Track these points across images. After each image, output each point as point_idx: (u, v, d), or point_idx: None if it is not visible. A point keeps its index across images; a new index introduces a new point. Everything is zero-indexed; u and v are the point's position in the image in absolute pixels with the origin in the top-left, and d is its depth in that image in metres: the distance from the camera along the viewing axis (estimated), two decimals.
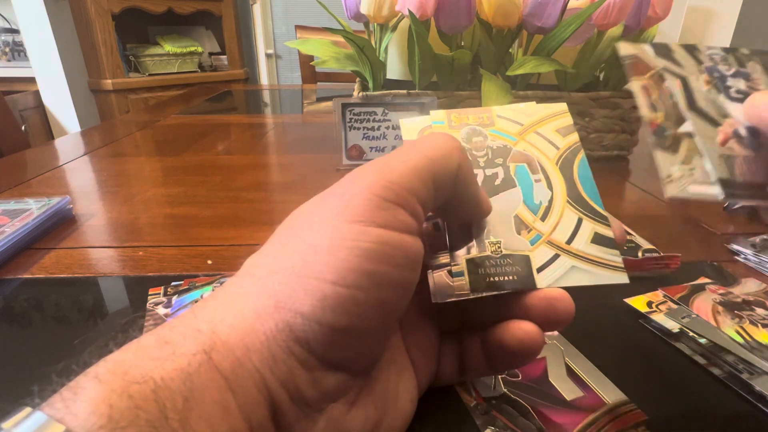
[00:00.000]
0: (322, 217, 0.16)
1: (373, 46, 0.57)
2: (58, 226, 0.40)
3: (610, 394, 0.21)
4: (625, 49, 0.23)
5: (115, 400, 0.12)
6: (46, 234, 0.39)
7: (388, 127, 0.55)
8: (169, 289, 0.30)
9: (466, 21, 0.53)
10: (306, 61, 1.51)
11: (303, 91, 1.32)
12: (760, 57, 0.23)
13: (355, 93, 0.58)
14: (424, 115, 0.23)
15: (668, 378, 0.23)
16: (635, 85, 0.23)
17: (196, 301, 0.28)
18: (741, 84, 0.22)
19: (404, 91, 0.56)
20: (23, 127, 1.65)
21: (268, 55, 2.58)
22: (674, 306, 0.28)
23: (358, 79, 0.62)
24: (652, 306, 0.28)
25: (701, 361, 0.24)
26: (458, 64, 0.55)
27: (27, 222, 0.37)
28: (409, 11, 0.50)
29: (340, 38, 0.56)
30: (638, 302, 0.28)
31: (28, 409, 0.12)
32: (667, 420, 0.20)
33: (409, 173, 0.16)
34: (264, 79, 2.61)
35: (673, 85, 0.22)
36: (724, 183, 0.19)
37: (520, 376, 0.23)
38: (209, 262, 0.35)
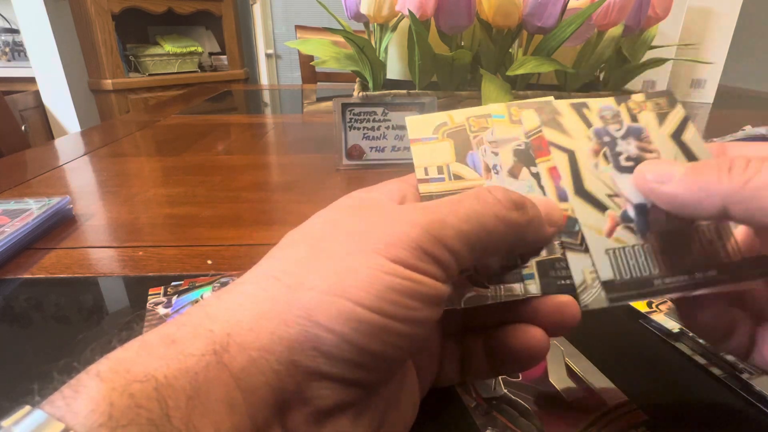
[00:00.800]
0: (362, 245, 0.16)
1: (373, 46, 0.57)
2: (58, 226, 0.40)
3: (610, 394, 0.21)
4: (500, 129, 0.21)
5: (116, 398, 0.12)
6: (46, 234, 0.39)
7: (388, 127, 0.55)
8: (169, 289, 0.30)
9: (466, 21, 0.53)
10: (306, 61, 1.50)
11: (303, 91, 1.32)
12: (653, 101, 0.21)
13: (355, 93, 0.58)
14: (432, 113, 0.22)
15: (668, 378, 0.23)
16: (542, 171, 0.20)
17: (196, 301, 0.28)
18: (632, 147, 0.20)
19: (404, 91, 0.56)
20: (23, 127, 1.65)
21: (268, 55, 2.58)
22: (674, 306, 0.28)
23: (358, 79, 0.62)
24: (652, 306, 0.28)
25: (701, 361, 0.24)
26: (458, 64, 0.55)
27: (27, 222, 0.37)
28: (409, 11, 0.50)
29: (340, 38, 0.56)
30: (638, 302, 0.28)
31: (28, 407, 0.12)
32: (667, 420, 0.20)
33: (459, 236, 0.16)
34: (264, 79, 2.61)
35: (560, 162, 0.20)
36: (608, 287, 0.18)
37: (521, 376, 0.23)
38: (209, 262, 0.34)
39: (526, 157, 0.21)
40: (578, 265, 0.18)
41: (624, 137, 0.20)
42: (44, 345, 0.26)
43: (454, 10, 0.52)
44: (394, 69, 0.62)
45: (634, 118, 0.20)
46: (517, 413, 0.21)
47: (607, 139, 0.20)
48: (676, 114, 0.20)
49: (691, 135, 0.20)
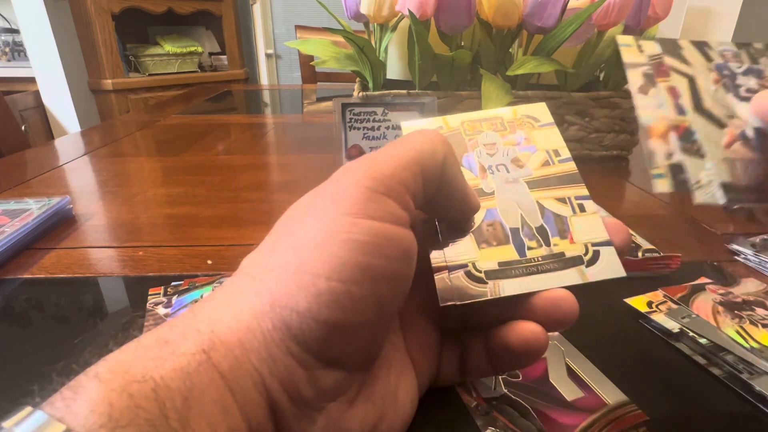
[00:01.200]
0: (314, 213, 0.16)
1: (373, 46, 0.57)
2: (58, 226, 0.40)
3: (610, 394, 0.21)
4: (628, 54, 0.23)
5: (115, 399, 0.12)
6: (46, 234, 0.39)
7: (388, 127, 0.55)
8: (169, 289, 0.30)
9: (466, 21, 0.53)
10: (306, 61, 1.51)
11: (303, 91, 1.32)
12: None
13: (355, 93, 0.58)
14: (426, 118, 0.23)
15: (668, 378, 0.23)
16: (661, 89, 0.22)
17: (196, 301, 0.28)
18: (752, 82, 0.21)
19: (404, 91, 0.56)
20: (23, 127, 1.65)
21: (268, 55, 2.58)
22: (674, 306, 0.28)
23: (358, 79, 0.62)
24: (652, 306, 0.28)
25: (701, 361, 0.24)
26: (458, 64, 0.55)
27: (27, 222, 0.37)
28: (409, 11, 0.50)
29: (340, 38, 0.56)
30: (638, 302, 0.28)
31: (28, 408, 0.12)
32: (668, 420, 0.20)
33: (397, 165, 0.16)
34: (264, 79, 2.61)
35: (679, 84, 0.21)
36: (727, 188, 0.19)
37: (521, 376, 0.23)
38: (209, 262, 0.34)
39: (653, 79, 0.22)
40: (695, 168, 0.20)
41: (745, 74, 0.22)
42: (44, 345, 0.26)
43: (454, 10, 0.52)
44: (394, 69, 0.62)
45: (755, 61, 0.22)
46: (518, 413, 0.21)
47: (727, 72, 0.22)
48: None
49: None
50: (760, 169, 0.20)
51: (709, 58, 0.23)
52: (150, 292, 0.30)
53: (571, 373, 0.23)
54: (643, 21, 0.57)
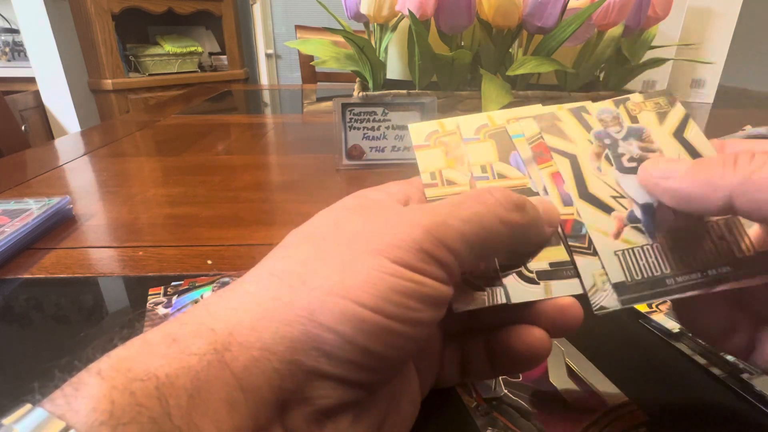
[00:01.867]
0: (364, 246, 0.16)
1: (373, 46, 0.57)
2: (58, 226, 0.40)
3: (610, 394, 0.21)
4: (519, 125, 0.21)
5: (117, 396, 0.12)
6: (46, 234, 0.39)
7: (388, 127, 0.55)
8: (169, 289, 0.30)
9: (466, 21, 0.53)
10: (306, 61, 1.50)
11: (303, 91, 1.32)
12: (652, 101, 0.21)
13: (355, 93, 0.58)
14: (430, 120, 0.22)
15: (668, 378, 0.23)
16: (545, 176, 0.20)
17: (196, 301, 0.28)
18: (633, 147, 0.19)
19: (404, 91, 0.56)
20: (23, 127, 1.65)
21: (268, 55, 2.58)
22: (673, 308, 0.28)
23: (358, 79, 0.62)
24: (652, 306, 0.28)
25: (701, 361, 0.24)
26: (458, 64, 0.55)
27: (27, 222, 0.37)
28: (409, 11, 0.50)
29: (340, 38, 0.56)
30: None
31: (28, 406, 0.12)
32: (668, 420, 0.20)
33: (460, 237, 0.16)
34: (264, 79, 2.61)
35: (562, 167, 0.19)
36: (620, 288, 0.18)
37: (521, 376, 0.23)
38: (209, 262, 0.34)
39: (534, 166, 0.21)
40: (588, 269, 0.18)
41: (625, 138, 0.20)
42: (44, 345, 0.26)
43: (454, 10, 0.52)
44: (394, 69, 0.62)
45: (634, 119, 0.20)
46: (518, 413, 0.21)
47: (608, 141, 0.20)
48: (677, 112, 0.20)
49: (693, 132, 0.20)
50: (653, 258, 0.18)
51: (587, 127, 0.20)
52: (150, 292, 0.30)
53: (572, 373, 0.23)
54: (643, 21, 0.57)
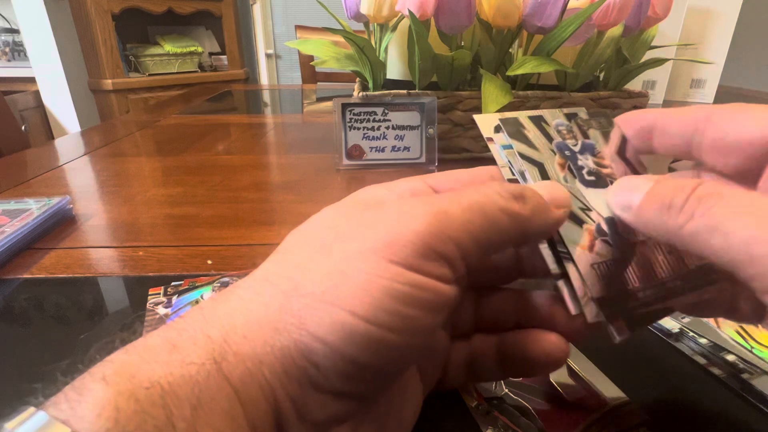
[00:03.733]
0: (360, 246, 0.15)
1: (373, 46, 0.57)
2: (58, 226, 0.40)
3: (610, 394, 0.21)
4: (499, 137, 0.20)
5: (122, 403, 0.11)
6: (46, 234, 0.39)
7: (388, 127, 0.55)
8: (169, 289, 0.30)
9: (466, 21, 0.53)
10: (306, 61, 1.51)
11: (303, 91, 1.32)
12: (596, 120, 0.21)
13: (355, 93, 0.58)
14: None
15: (668, 378, 0.23)
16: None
17: (197, 302, 0.28)
18: (590, 162, 0.19)
19: (404, 91, 0.56)
20: (23, 127, 1.65)
21: (268, 55, 2.58)
22: None
23: (358, 79, 0.62)
24: None
25: (701, 361, 0.24)
26: (458, 64, 0.55)
27: (27, 222, 0.37)
28: (409, 11, 0.50)
29: (340, 38, 0.56)
30: None
31: (31, 409, 0.11)
32: (667, 420, 0.20)
33: (463, 227, 0.15)
34: (264, 79, 2.61)
35: (534, 176, 0.19)
36: (601, 303, 0.17)
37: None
38: (209, 262, 0.34)
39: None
40: (577, 279, 0.17)
41: (581, 152, 0.20)
42: (44, 345, 0.26)
43: (454, 10, 0.52)
44: (394, 69, 0.62)
45: (585, 135, 0.20)
46: (518, 413, 0.21)
47: (568, 153, 0.20)
48: (616, 132, 0.20)
49: (631, 152, 0.20)
50: (617, 273, 0.17)
51: (549, 137, 0.20)
52: (150, 292, 0.30)
53: (572, 373, 0.23)
54: (643, 21, 0.57)
